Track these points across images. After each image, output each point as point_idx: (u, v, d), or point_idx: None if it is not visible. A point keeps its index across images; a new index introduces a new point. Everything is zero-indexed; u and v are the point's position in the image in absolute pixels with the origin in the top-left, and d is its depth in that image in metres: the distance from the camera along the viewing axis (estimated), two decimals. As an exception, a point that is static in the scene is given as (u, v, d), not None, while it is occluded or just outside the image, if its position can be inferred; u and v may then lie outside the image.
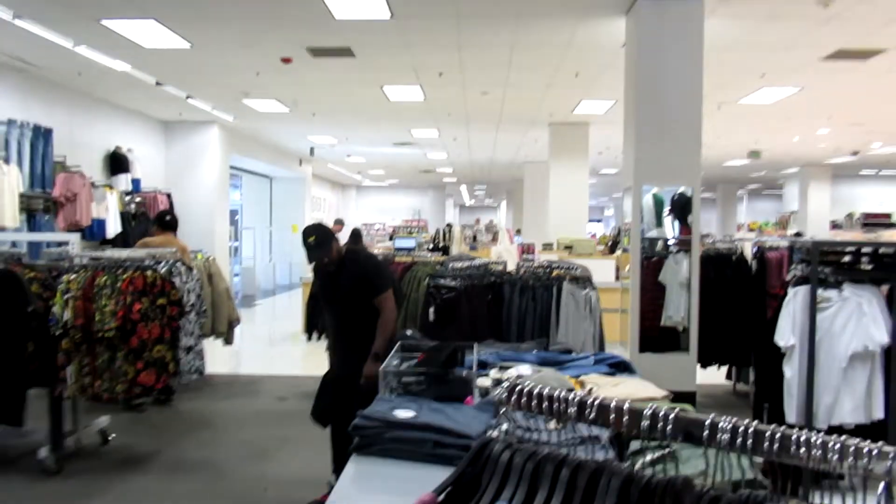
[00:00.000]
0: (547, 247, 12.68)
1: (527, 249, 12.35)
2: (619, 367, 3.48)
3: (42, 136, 9.08)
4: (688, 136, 7.02)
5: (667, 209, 8.44)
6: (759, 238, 9.01)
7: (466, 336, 4.56)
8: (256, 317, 14.97)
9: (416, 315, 6.79)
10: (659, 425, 0.98)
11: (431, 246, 12.25)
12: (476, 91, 10.73)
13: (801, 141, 15.73)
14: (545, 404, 1.10)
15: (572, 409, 1.07)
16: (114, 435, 6.01)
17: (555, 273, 5.28)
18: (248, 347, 11.13)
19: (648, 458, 2.16)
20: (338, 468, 4.58)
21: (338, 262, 4.49)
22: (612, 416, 1.02)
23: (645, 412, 1.00)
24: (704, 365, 7.21)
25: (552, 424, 2.41)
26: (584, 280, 5.29)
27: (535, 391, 1.11)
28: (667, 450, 2.08)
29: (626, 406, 1.02)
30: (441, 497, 1.10)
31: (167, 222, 7.25)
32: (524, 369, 2.86)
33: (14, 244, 7.01)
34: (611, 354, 3.73)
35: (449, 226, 13.24)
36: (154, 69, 9.41)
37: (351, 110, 12.44)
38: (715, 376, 7.73)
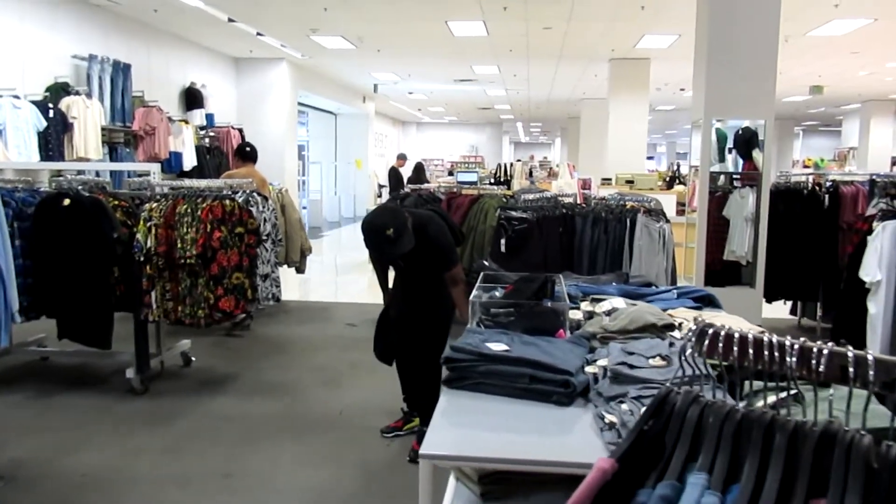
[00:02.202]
0: (605, 182, 12.23)
1: (584, 184, 11.94)
2: (704, 301, 3.20)
3: (122, 71, 8.96)
4: (762, 67, 6.50)
5: (730, 144, 7.98)
6: (816, 172, 8.49)
7: (538, 267, 4.33)
8: (324, 247, 14.95)
9: (482, 246, 6.58)
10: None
11: (492, 180, 11.92)
12: (539, 25, 10.21)
13: (868, 75, 14.75)
14: (750, 351, 0.84)
15: (791, 359, 0.81)
16: (195, 358, 6.00)
17: (628, 206, 4.99)
18: (317, 276, 11.09)
19: (770, 399, 1.91)
20: (408, 398, 4.47)
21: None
22: (853, 368, 0.77)
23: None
24: (770, 300, 6.84)
25: (655, 361, 2.17)
26: (657, 213, 4.99)
27: (737, 336, 0.86)
28: (790, 392, 1.82)
29: (870, 358, 0.77)
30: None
31: (247, 153, 7.06)
32: (617, 302, 2.61)
33: (98, 174, 6.95)
34: (694, 288, 3.44)
35: (514, 162, 12.87)
36: (225, 5, 9.15)
37: (415, 46, 12.03)
38: (778, 311, 7.36)
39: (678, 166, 15.34)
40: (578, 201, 5.48)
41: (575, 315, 2.66)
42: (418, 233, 3.78)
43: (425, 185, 8.60)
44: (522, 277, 2.92)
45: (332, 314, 8.12)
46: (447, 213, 5.36)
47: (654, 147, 39.76)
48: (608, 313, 2.55)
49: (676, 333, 2.45)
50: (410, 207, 6.48)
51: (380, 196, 21.18)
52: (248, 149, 7.15)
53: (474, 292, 2.77)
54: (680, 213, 9.41)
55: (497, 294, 2.94)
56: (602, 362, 2.18)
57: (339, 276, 11.77)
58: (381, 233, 3.60)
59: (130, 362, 5.28)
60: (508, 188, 9.70)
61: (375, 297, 8.30)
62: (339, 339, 6.93)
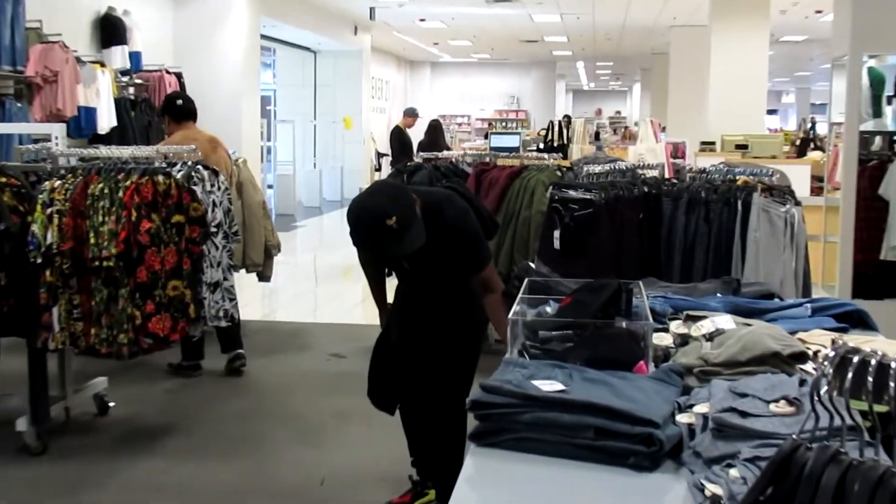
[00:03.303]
0: (706, 147, 12.23)
1: (675, 151, 11.93)
2: (851, 320, 3.21)
3: (9, -8, 9.06)
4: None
5: (889, 90, 7.94)
6: None
7: (607, 271, 4.33)
8: (298, 244, 15.07)
9: (526, 241, 6.60)
10: None
11: (541, 146, 11.93)
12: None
13: None
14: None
15: None
16: (113, 403, 6.05)
17: (740, 182, 4.98)
18: (288, 285, 11.17)
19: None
20: (419, 460, 4.48)
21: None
22: None
23: None
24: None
25: (779, 406, 2.16)
26: (783, 192, 5.00)
27: (895, 367, 0.85)
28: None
29: None
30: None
31: (180, 109, 6.98)
32: (724, 321, 2.60)
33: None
34: (837, 300, 3.45)
35: (567, 118, 12.87)
36: None
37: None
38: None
39: (813, 124, 15.27)
40: (667, 175, 5.49)
41: (662, 340, 2.67)
42: (431, 220, 3.79)
43: (444, 154, 8.62)
44: (585, 286, 2.93)
45: (309, 340, 8.18)
46: (473, 193, 5.37)
47: (777, 96, 39.59)
48: (710, 337, 2.55)
49: (810, 366, 2.44)
50: (421, 185, 6.53)
51: (378, 169, 21.28)
52: (179, 101, 7.08)
53: (515, 308, 2.78)
54: (816, 191, 9.39)
55: (548, 310, 2.94)
56: (701, 408, 2.18)
57: (319, 286, 11.83)
58: (377, 223, 3.57)
59: (22, 409, 5.33)
60: (565, 157, 9.71)
61: (369, 316, 8.33)
62: (319, 377, 6.97)
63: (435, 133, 15.15)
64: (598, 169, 5.38)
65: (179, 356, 6.87)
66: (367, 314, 9.01)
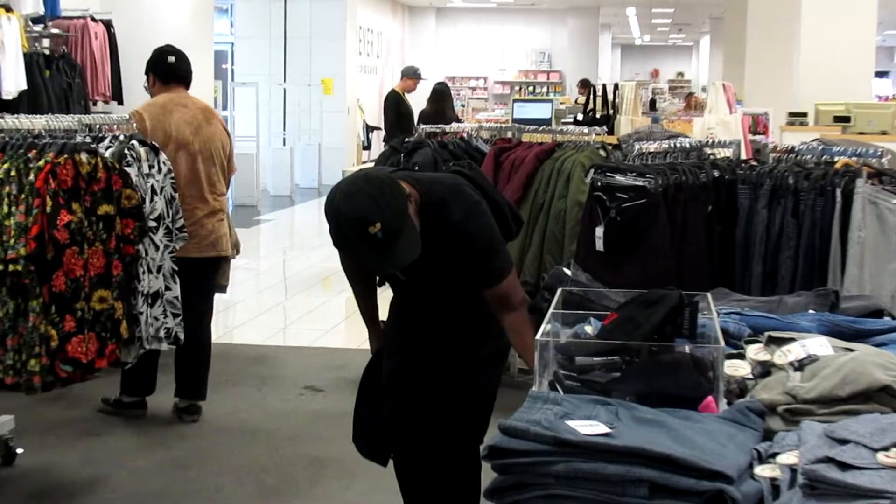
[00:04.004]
0: (795, 119, 12.21)
1: (754, 125, 11.92)
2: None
3: None
4: None
5: None
6: None
7: (664, 279, 4.34)
8: (262, 243, 15.10)
9: (560, 241, 6.61)
10: None
11: (580, 117, 11.93)
12: None
13: None
14: None
15: None
16: (21, 450, 6.04)
17: (839, 164, 4.98)
18: (250, 298, 11.19)
19: None
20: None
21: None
22: None
23: None
24: None
25: (890, 455, 2.17)
26: (895, 179, 4.98)
27: None
28: None
29: None
30: None
31: (170, 68, 7.01)
32: (818, 346, 2.61)
33: None
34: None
35: (585, 82, 12.86)
36: None
37: None
38: None
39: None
40: (744, 156, 5.48)
41: (737, 369, 2.68)
42: (432, 219, 3.77)
43: (452, 126, 8.64)
44: (636, 298, 2.95)
45: (276, 369, 8.21)
46: (490, 180, 5.35)
47: (889, 53, 39.54)
48: (800, 366, 2.55)
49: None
50: (420, 170, 6.53)
51: (367, 147, 21.29)
52: (171, 59, 7.00)
53: (545, 327, 2.79)
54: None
55: (588, 329, 2.95)
56: (788, 458, 2.19)
57: (290, 299, 11.83)
58: (356, 231, 3.53)
59: None
60: (610, 131, 9.71)
61: (353, 337, 8.36)
62: (289, 416, 6.99)
63: (441, 100, 15.16)
64: (653, 147, 5.37)
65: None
66: (351, 336, 9.07)
